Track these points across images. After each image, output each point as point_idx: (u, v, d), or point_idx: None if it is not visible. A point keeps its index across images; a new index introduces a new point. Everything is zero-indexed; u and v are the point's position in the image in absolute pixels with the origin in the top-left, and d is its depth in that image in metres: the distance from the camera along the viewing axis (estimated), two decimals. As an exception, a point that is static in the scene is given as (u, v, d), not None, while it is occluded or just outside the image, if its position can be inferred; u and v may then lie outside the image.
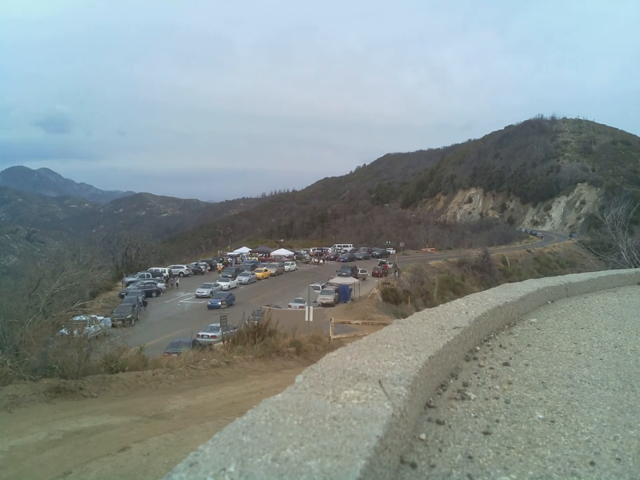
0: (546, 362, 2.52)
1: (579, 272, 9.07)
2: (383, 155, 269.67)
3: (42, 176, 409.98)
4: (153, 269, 51.40)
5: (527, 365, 2.46)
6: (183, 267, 54.71)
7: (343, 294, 39.56)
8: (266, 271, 52.82)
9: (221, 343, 18.39)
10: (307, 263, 65.78)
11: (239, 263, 62.60)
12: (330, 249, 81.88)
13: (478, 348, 2.74)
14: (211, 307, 36.44)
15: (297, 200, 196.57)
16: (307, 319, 18.99)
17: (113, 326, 19.99)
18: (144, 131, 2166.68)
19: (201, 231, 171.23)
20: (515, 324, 3.49)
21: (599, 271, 8.51)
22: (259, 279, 50.52)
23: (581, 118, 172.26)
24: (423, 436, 1.56)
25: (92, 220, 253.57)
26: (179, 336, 24.70)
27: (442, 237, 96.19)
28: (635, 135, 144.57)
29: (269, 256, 69.16)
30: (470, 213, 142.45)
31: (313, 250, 77.15)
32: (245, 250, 75.47)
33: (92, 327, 13.68)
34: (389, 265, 54.63)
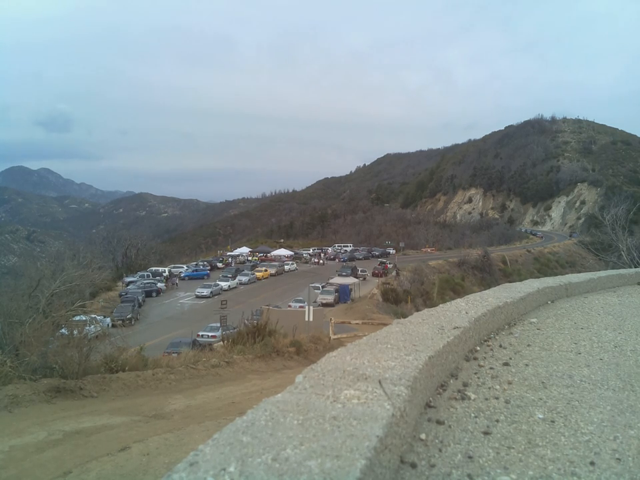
0: (546, 362, 2.52)
1: (579, 272, 9.06)
2: (383, 155, 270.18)
3: (42, 176, 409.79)
4: (153, 269, 51.42)
5: (527, 365, 2.46)
6: (182, 267, 54.72)
7: (343, 294, 39.54)
8: (266, 271, 52.82)
9: (221, 342, 18.40)
10: (306, 262, 65.81)
11: (244, 262, 62.76)
12: (330, 248, 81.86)
13: (478, 348, 2.74)
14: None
15: (297, 200, 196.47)
16: (307, 319, 19.00)
17: (113, 326, 20.02)
18: (145, 131, 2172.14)
19: (201, 231, 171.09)
20: (515, 324, 3.49)
21: (599, 271, 8.51)
22: (258, 279, 50.51)
23: (580, 118, 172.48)
24: (423, 436, 1.56)
25: (92, 220, 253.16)
26: (178, 336, 24.66)
27: (442, 237, 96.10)
28: (635, 135, 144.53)
29: (267, 256, 69.24)
30: (470, 213, 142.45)
31: (314, 250, 77.17)
32: (245, 250, 75.43)
33: (92, 326, 13.70)
34: (389, 265, 54.65)
